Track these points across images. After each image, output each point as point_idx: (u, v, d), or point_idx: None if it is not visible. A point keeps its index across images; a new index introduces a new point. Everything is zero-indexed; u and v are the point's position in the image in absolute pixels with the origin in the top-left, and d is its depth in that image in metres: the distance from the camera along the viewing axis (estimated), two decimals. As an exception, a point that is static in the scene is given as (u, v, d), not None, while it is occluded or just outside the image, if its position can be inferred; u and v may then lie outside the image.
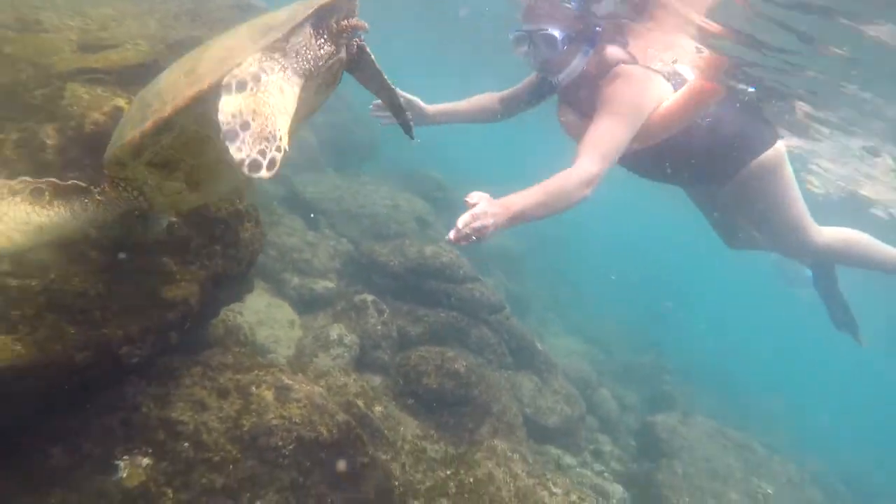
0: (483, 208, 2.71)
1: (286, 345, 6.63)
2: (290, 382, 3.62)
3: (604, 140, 3.28)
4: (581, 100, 3.78)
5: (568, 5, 4.66)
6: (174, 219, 2.99)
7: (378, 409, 4.73)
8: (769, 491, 7.44)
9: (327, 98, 2.35)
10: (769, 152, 3.95)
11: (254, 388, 3.42)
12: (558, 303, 16.96)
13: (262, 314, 6.75)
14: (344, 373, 4.90)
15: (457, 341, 7.42)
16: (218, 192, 2.76)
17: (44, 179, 2.17)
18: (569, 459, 7.48)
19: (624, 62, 3.67)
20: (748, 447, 8.46)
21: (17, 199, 2.16)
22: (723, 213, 4.62)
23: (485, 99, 4.30)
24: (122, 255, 2.80)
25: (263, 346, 6.34)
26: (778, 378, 19.81)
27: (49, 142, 2.79)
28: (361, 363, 6.61)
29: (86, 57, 3.36)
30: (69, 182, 2.20)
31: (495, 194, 2.86)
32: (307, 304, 7.37)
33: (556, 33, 3.56)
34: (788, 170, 4.08)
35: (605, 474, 7.29)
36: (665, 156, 3.86)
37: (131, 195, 2.24)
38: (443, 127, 4.26)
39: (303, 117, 2.26)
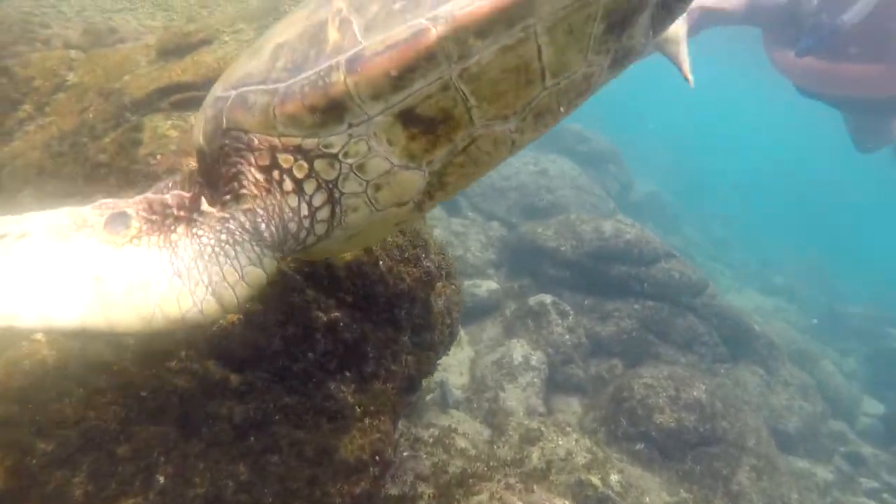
0: None
1: (458, 370, 5.51)
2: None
3: None
4: (857, 44, 3.36)
5: None
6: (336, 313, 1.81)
7: (614, 477, 3.46)
8: None
9: None
10: None
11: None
12: (719, 246, 15.01)
13: (422, 334, 5.68)
14: (559, 431, 3.65)
15: (659, 337, 5.98)
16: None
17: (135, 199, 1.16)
18: (824, 474, 5.89)
19: None
20: None
21: (83, 236, 1.10)
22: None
23: None
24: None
25: (433, 377, 5.28)
26: None
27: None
28: (553, 383, 5.36)
29: (167, 68, 2.21)
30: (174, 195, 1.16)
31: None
32: (469, 313, 6.18)
33: None
34: None
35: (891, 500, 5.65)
36: None
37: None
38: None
39: None
